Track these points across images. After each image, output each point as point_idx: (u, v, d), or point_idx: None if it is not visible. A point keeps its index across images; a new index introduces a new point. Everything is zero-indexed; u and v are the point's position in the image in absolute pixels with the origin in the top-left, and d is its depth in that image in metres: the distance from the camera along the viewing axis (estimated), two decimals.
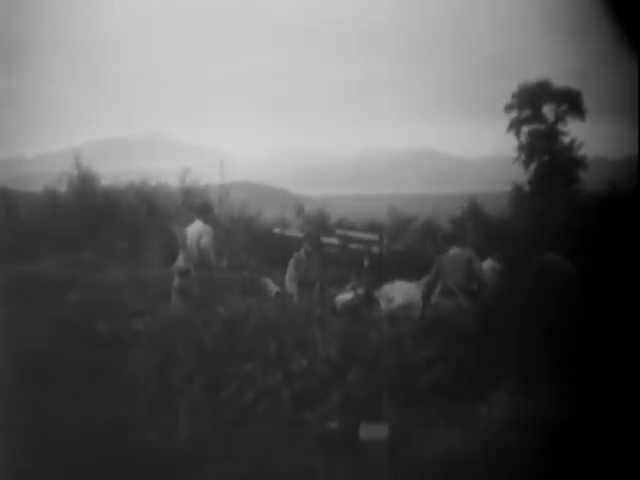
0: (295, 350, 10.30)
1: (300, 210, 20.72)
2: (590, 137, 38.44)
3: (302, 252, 14.55)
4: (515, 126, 38.52)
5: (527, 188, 36.16)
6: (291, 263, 14.56)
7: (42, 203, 25.87)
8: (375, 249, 15.94)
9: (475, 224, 22.26)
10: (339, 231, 18.50)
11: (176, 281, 14.26)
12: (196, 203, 14.80)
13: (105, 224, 22.80)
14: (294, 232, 19.65)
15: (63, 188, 26.40)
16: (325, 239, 16.32)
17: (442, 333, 10.59)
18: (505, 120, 38.18)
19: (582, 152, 37.46)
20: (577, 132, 37.57)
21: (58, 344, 12.07)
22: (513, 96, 37.94)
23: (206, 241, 13.98)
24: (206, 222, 14.26)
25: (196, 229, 14.24)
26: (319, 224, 20.61)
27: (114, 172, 35.06)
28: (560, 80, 39.10)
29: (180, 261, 14.36)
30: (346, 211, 27.17)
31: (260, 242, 19.76)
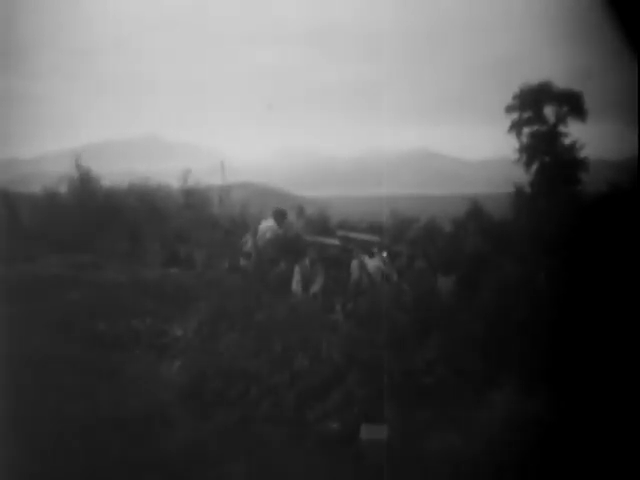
0: (299, 351, 10.34)
1: (300, 211, 20.65)
2: (592, 138, 38.37)
3: (307, 261, 14.76)
4: (516, 127, 38.39)
5: (528, 189, 36.08)
6: (297, 270, 14.73)
7: (43, 204, 25.84)
8: (376, 250, 15.92)
9: (476, 225, 22.21)
10: (340, 232, 18.47)
11: (241, 261, 16.45)
12: (275, 209, 17.30)
13: (106, 225, 22.77)
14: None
15: (63, 189, 26.37)
16: (327, 240, 16.49)
17: (442, 335, 10.61)
18: (506, 121, 38.13)
19: (584, 153, 37.37)
20: (579, 133, 37.50)
21: (58, 344, 12.08)
22: (514, 97, 37.85)
23: (268, 236, 16.20)
24: (279, 225, 16.47)
25: (267, 225, 16.48)
26: (320, 225, 20.57)
27: (114, 173, 34.99)
28: (561, 82, 39.08)
29: (247, 246, 16.42)
30: (347, 212, 27.14)
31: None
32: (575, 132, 37.58)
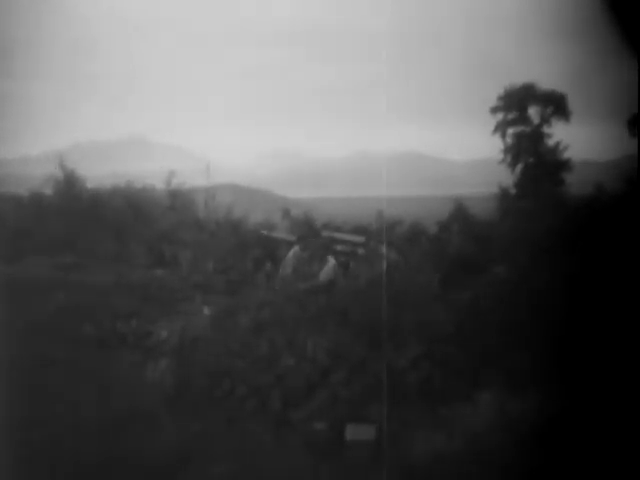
0: (284, 350, 10.39)
1: (286, 213, 20.74)
2: (576, 140, 38.58)
3: (297, 249, 14.82)
4: (501, 128, 38.59)
5: (513, 190, 36.28)
6: (290, 256, 14.87)
7: (27, 205, 25.74)
8: (361, 251, 15.97)
9: (461, 227, 22.31)
10: (325, 233, 18.54)
11: None
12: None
13: (91, 226, 22.70)
14: (281, 234, 19.75)
15: (48, 190, 26.26)
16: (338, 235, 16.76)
17: (426, 332, 10.65)
18: (491, 122, 38.31)
19: (568, 155, 37.59)
20: (564, 135, 37.70)
21: (43, 346, 12.03)
22: (499, 98, 38.08)
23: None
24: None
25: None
26: (305, 226, 20.60)
27: (99, 174, 34.91)
28: (548, 82, 39.24)
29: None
30: (333, 213, 27.22)
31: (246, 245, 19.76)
32: (560, 133, 37.79)
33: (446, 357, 10.01)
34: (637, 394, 8.13)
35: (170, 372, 10.57)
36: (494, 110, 38.26)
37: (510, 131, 38.43)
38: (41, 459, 7.93)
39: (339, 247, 16.52)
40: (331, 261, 14.69)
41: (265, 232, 19.77)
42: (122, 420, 9.04)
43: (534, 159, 36.93)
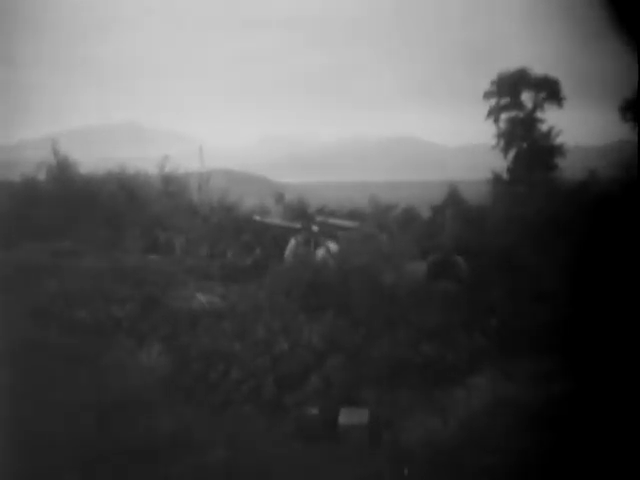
0: (279, 335, 10.48)
1: (280, 198, 20.77)
2: (569, 125, 38.56)
3: (300, 238, 15.00)
4: (494, 113, 38.48)
5: (506, 175, 36.29)
6: (292, 245, 15.02)
7: (21, 191, 25.62)
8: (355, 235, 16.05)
9: (455, 212, 22.35)
10: (319, 218, 18.58)
11: None
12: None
13: (85, 212, 22.61)
14: (276, 220, 19.82)
15: (42, 176, 26.17)
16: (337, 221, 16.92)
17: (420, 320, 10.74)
18: (485, 107, 38.21)
19: (561, 140, 37.57)
20: (556, 120, 37.65)
21: (39, 332, 12.06)
22: (492, 83, 37.97)
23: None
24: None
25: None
26: (299, 211, 20.64)
27: (93, 160, 34.67)
28: (541, 68, 39.19)
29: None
30: (326, 198, 27.22)
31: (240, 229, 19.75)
32: (553, 119, 37.77)
33: (441, 342, 10.13)
34: (633, 377, 8.22)
35: (165, 357, 10.65)
36: (487, 95, 38.16)
37: (503, 116, 38.37)
38: (38, 442, 7.99)
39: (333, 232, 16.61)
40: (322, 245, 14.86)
41: (258, 217, 19.80)
42: (117, 405, 9.09)
43: (527, 144, 36.86)
